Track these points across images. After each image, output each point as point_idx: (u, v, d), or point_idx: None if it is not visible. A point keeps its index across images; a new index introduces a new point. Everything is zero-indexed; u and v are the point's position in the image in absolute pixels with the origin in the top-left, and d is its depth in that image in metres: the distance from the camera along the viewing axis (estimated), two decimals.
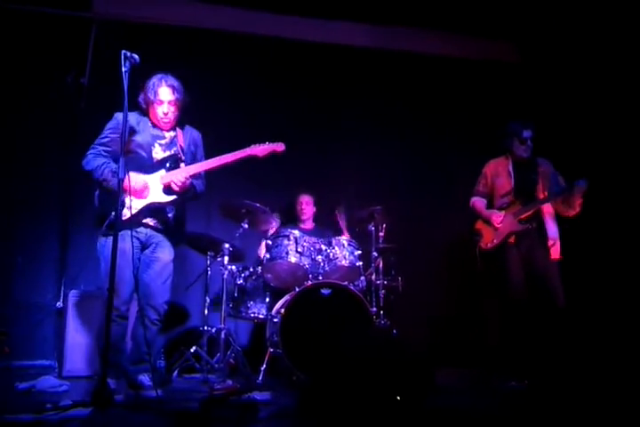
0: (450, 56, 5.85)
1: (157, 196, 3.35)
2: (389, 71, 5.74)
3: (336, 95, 5.57)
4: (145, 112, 3.47)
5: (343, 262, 4.26)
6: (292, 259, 4.18)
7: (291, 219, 5.11)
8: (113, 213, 3.03)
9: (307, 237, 4.33)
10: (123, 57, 2.93)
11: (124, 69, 2.92)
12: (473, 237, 4.26)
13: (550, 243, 3.98)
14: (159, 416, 2.80)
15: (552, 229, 4.01)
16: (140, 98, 3.44)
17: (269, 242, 4.32)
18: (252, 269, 4.43)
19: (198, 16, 5.30)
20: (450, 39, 5.83)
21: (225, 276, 4.24)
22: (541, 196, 4.08)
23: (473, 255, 4.23)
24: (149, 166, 3.37)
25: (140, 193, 3.28)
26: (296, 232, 4.31)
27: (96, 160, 3.31)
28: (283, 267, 4.27)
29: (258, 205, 4.21)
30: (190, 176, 3.38)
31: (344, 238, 4.39)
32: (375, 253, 4.58)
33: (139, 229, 3.33)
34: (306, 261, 4.23)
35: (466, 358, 4.90)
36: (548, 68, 5.61)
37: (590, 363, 3.83)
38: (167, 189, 3.36)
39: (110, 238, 2.98)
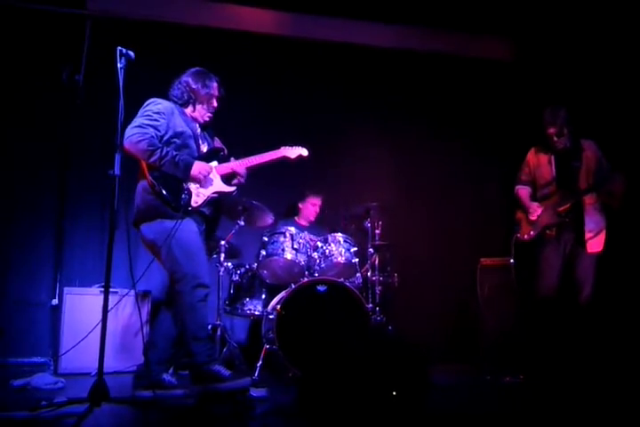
0: (445, 53, 5.84)
1: (220, 185, 3.35)
2: (386, 69, 5.73)
3: (331, 92, 5.55)
4: (182, 106, 3.40)
5: (339, 259, 4.26)
6: (288, 256, 4.18)
7: (288, 214, 5.12)
8: (184, 197, 3.15)
9: (303, 234, 4.33)
10: (118, 53, 2.92)
11: (119, 66, 2.91)
12: (513, 226, 4.14)
13: (588, 236, 3.79)
14: (154, 413, 2.80)
15: (592, 221, 3.82)
16: (183, 91, 3.37)
17: (265, 239, 4.33)
18: (247, 266, 4.43)
19: (195, 13, 5.28)
20: (444, 37, 5.81)
21: (221, 273, 4.25)
22: (584, 186, 3.88)
23: (508, 245, 4.13)
24: (201, 158, 3.33)
25: (206, 181, 3.28)
26: (292, 229, 4.31)
27: (154, 140, 3.15)
28: (279, 264, 4.27)
29: (255, 202, 4.21)
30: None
31: (340, 235, 4.40)
32: (371, 250, 4.58)
33: (197, 217, 3.31)
34: (302, 258, 4.23)
35: (461, 354, 4.91)
36: (544, 66, 5.60)
37: (596, 361, 3.74)
38: (225, 180, 3.39)
39: (182, 222, 3.11)
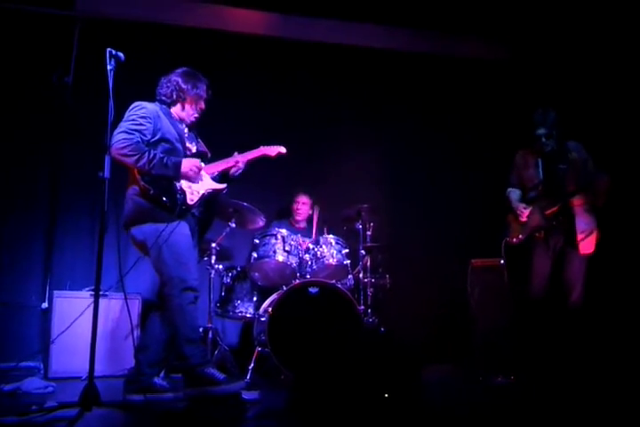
0: (435, 54, 5.87)
1: (211, 183, 3.37)
2: (376, 70, 5.74)
3: (321, 93, 5.56)
4: (170, 105, 3.39)
5: (331, 261, 4.27)
6: (280, 258, 4.17)
7: (282, 216, 5.11)
8: (179, 196, 3.15)
9: (294, 236, 4.33)
10: (108, 55, 2.91)
11: (109, 67, 2.90)
12: (504, 229, 4.16)
13: (580, 237, 3.79)
14: (145, 417, 2.78)
15: (583, 222, 3.82)
16: (172, 90, 3.36)
17: (257, 241, 4.32)
18: (239, 269, 4.42)
19: (185, 14, 5.27)
20: (435, 37, 5.84)
21: (212, 275, 4.23)
22: (570, 188, 3.87)
23: (497, 248, 4.15)
24: (190, 157, 3.32)
25: (197, 178, 3.27)
26: (284, 231, 4.31)
27: (141, 145, 3.14)
28: (270, 266, 4.26)
29: (246, 204, 4.20)
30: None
31: (331, 237, 4.40)
32: (363, 252, 4.58)
33: (190, 219, 3.30)
34: (293, 260, 4.23)
35: (453, 354, 4.92)
36: (540, 64, 5.62)
37: (585, 361, 3.77)
38: (214, 179, 3.41)
39: (176, 225, 3.11)
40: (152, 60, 4.94)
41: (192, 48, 5.18)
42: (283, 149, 3.67)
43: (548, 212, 3.90)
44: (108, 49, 2.91)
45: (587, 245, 3.81)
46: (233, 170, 3.47)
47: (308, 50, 5.57)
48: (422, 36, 5.82)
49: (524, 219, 3.99)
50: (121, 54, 2.94)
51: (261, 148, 3.61)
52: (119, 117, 3.14)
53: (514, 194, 4.19)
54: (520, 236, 4.01)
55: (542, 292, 3.88)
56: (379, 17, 5.57)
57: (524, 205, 4.04)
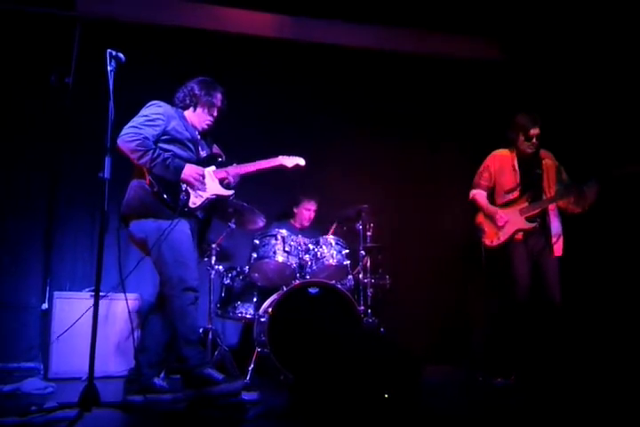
0: (434, 55, 5.86)
1: (218, 189, 3.35)
2: (373, 71, 5.73)
3: (320, 95, 5.55)
4: (183, 109, 3.42)
5: (331, 261, 4.26)
6: (280, 258, 4.17)
7: (282, 216, 5.11)
8: (183, 197, 3.16)
9: (294, 237, 4.33)
10: (108, 56, 2.92)
11: (109, 68, 2.91)
12: (475, 232, 4.19)
13: (553, 240, 3.92)
14: (146, 417, 2.78)
15: (554, 227, 3.95)
16: (185, 95, 3.40)
17: (257, 241, 4.32)
18: (239, 269, 4.42)
19: (186, 15, 5.27)
20: (433, 38, 5.83)
21: (212, 276, 4.23)
22: (547, 193, 3.99)
23: (477, 251, 4.17)
24: (199, 163, 3.33)
25: (200, 185, 3.26)
26: (284, 231, 4.31)
27: (148, 142, 3.14)
28: (270, 266, 4.26)
29: (246, 204, 4.20)
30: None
31: (331, 237, 4.40)
32: (363, 252, 4.59)
33: (191, 219, 3.30)
34: (293, 261, 4.23)
35: (453, 355, 4.92)
36: (533, 65, 5.63)
37: (583, 360, 3.83)
38: (222, 184, 3.39)
39: (177, 222, 3.10)
40: (153, 62, 4.96)
41: (193, 49, 5.18)
42: (302, 162, 3.64)
43: (529, 214, 3.97)
44: (109, 50, 2.92)
45: (558, 248, 3.95)
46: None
47: (307, 51, 5.56)
48: (422, 36, 5.82)
49: (502, 223, 4.01)
50: (121, 55, 2.95)
51: (279, 157, 3.59)
52: (120, 119, 3.13)
53: (481, 196, 4.21)
54: (501, 237, 4.03)
55: (528, 292, 3.92)
56: (375, 17, 5.54)
57: (501, 210, 4.05)
